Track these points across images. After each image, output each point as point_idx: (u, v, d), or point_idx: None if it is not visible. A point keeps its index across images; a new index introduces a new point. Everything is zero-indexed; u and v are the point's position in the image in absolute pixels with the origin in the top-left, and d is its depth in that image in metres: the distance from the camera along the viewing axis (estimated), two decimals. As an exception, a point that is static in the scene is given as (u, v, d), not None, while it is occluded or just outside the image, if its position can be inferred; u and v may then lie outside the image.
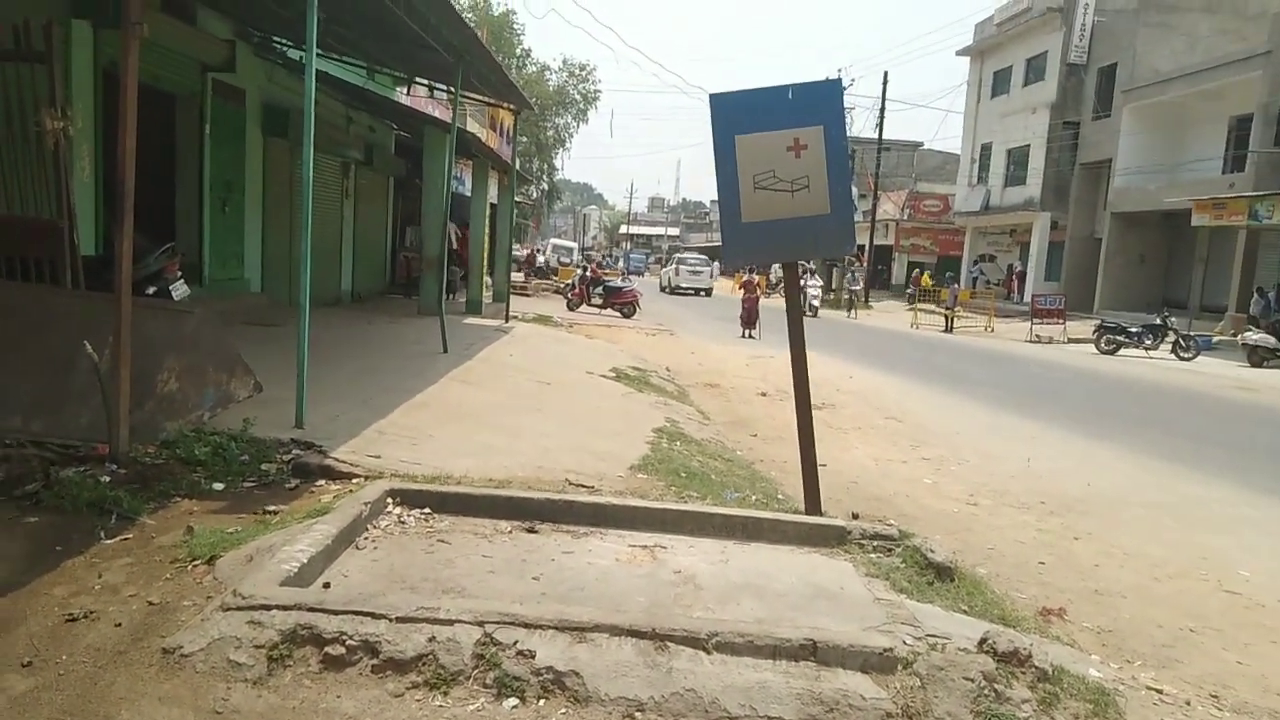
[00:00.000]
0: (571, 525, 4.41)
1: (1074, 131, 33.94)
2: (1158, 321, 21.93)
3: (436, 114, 17.15)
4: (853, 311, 32.99)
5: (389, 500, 4.39)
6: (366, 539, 4.04)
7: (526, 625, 3.05)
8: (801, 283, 26.33)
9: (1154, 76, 29.76)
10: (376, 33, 9.73)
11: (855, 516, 6.09)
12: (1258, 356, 19.53)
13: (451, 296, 18.67)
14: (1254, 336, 20.07)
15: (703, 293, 38.48)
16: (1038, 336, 24.62)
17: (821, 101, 4.95)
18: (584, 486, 5.28)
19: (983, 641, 3.43)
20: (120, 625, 3.03)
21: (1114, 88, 31.71)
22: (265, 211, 12.27)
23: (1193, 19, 31.14)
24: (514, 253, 25.50)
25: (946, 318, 28.08)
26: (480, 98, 14.03)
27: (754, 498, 5.89)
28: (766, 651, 3.21)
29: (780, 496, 6.33)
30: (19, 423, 4.80)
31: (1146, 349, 21.33)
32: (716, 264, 44.48)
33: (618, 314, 22.40)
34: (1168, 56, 30.29)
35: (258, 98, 11.98)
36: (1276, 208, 22.38)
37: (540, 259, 42.33)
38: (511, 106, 14.34)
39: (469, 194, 18.93)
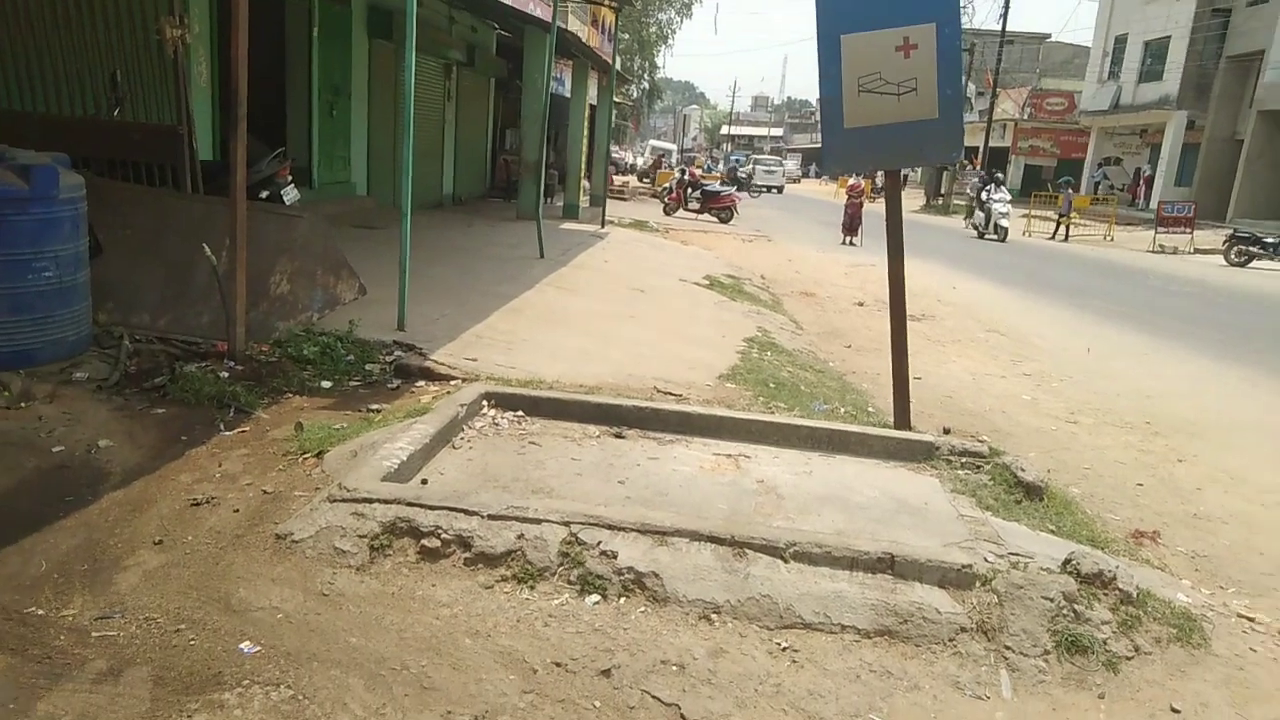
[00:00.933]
0: (658, 432, 4.52)
1: (1224, 19, 31.04)
2: (1299, 232, 20.36)
3: (538, 12, 16.92)
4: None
5: (484, 402, 4.57)
6: (463, 439, 4.24)
7: (610, 527, 3.18)
8: (984, 196, 24.37)
9: (1320, -44, 26.80)
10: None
11: (946, 431, 6.02)
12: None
13: (549, 200, 18.80)
14: None
15: (774, 190, 45.58)
16: (1161, 246, 23.21)
17: (936, -4, 4.69)
18: (672, 394, 5.37)
19: (1067, 562, 3.41)
20: (238, 511, 3.30)
21: (1273, -31, 28.73)
22: (371, 115, 12.49)
23: (1372, -112, 27.71)
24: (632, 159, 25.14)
25: (1058, 224, 26.54)
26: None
27: (843, 410, 5.87)
28: (844, 563, 3.27)
29: (871, 409, 6.28)
30: (147, 319, 5.16)
31: (1282, 261, 19.90)
32: (790, 163, 49.13)
33: (715, 219, 22.12)
34: (1339, -67, 27.17)
35: (362, 0, 12.06)
36: None
37: (639, 162, 41.74)
38: (613, 4, 14.00)
39: (569, 95, 18.77)
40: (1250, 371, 9.00)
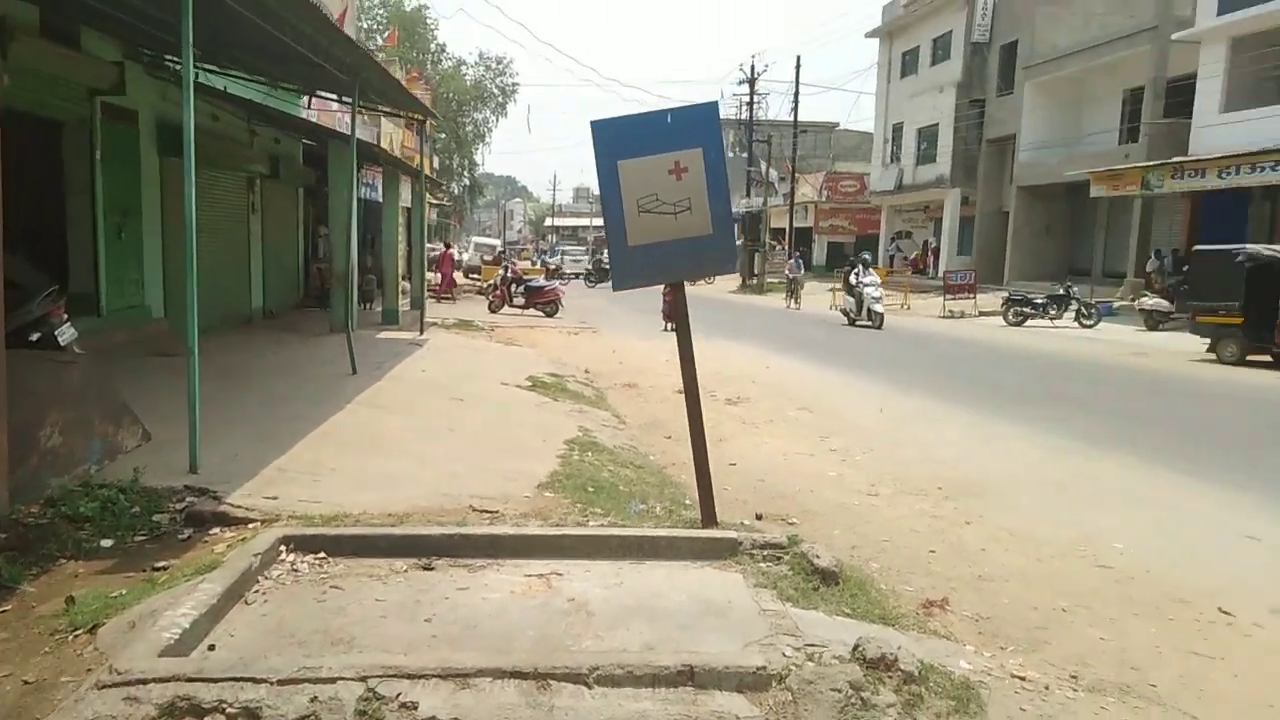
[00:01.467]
0: (469, 558, 4.49)
1: (980, 109, 34.96)
2: (1061, 291, 22.81)
3: (346, 118, 16.91)
4: (794, 300, 30.98)
5: (282, 548, 4.40)
6: (257, 591, 4.05)
7: (410, 676, 3.13)
8: (853, 280, 23.13)
9: (1052, 52, 30.77)
10: (269, 54, 9.58)
11: (759, 518, 6.32)
12: (1153, 320, 20.47)
13: (369, 306, 18.50)
14: (1149, 302, 21.04)
15: (581, 276, 46.58)
16: (951, 311, 25.39)
17: (699, 124, 5.10)
18: (487, 512, 5.36)
19: (855, 648, 3.63)
20: (-6, 709, 3.02)
21: (1015, 65, 32.71)
22: (165, 234, 11.98)
23: (1085, -5, 32.29)
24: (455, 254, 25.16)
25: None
26: (381, 108, 13.87)
27: (658, 508, 6.03)
28: (646, 680, 3.34)
29: (687, 503, 6.47)
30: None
31: (1052, 318, 22.19)
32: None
33: (541, 314, 22.40)
34: (1064, 33, 31.32)
35: (152, 118, 11.66)
36: (1166, 177, 23.40)
37: (461, 256, 41.82)
38: (418, 115, 14.21)
39: (381, 200, 18.71)
40: (1025, 429, 9.91)
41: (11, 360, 4.62)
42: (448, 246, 31.43)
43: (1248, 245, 16.11)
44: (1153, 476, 7.92)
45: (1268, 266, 14.84)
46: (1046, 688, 3.83)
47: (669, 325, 20.89)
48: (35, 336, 6.19)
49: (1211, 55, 23.75)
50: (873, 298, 22.16)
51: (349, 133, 11.16)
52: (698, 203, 4.98)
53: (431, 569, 4.36)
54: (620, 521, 5.37)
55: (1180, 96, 24.89)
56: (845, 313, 23.28)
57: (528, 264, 41.54)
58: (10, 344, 4.74)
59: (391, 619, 3.83)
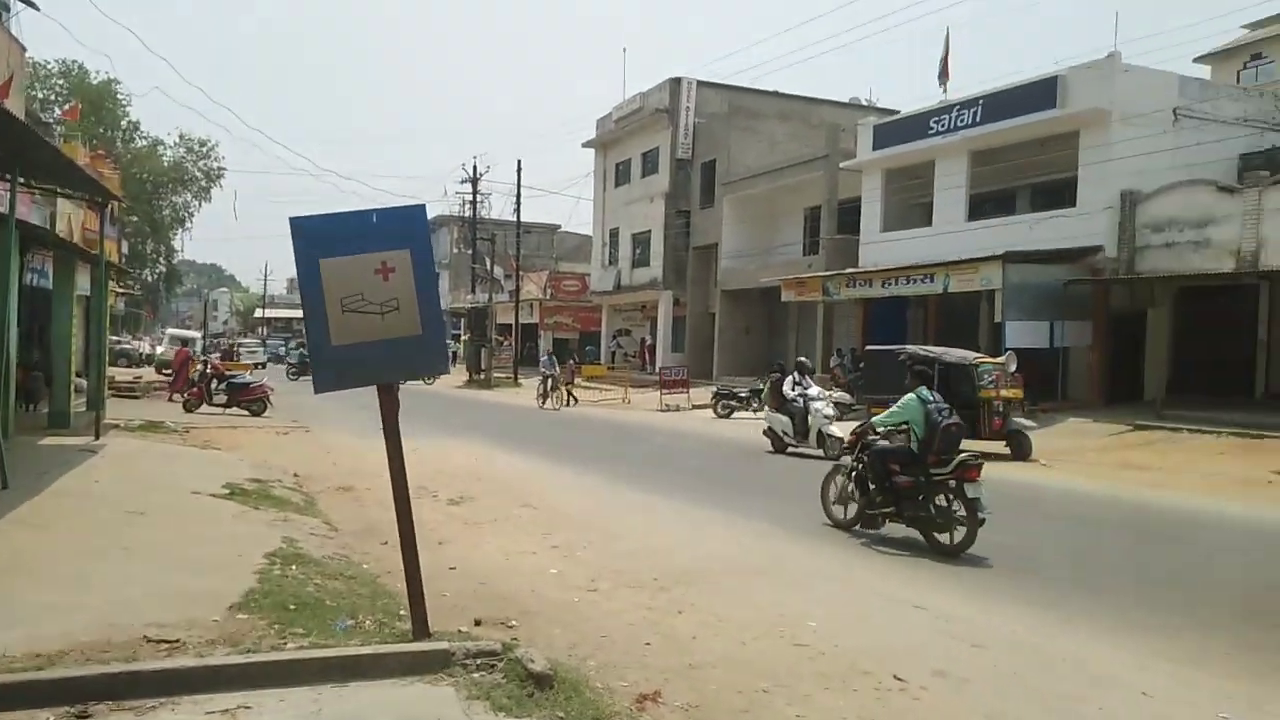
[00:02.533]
0: (137, 700, 3.95)
1: (686, 219, 37.95)
2: (761, 386, 24.88)
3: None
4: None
5: (-111, 706, 3.63)
6: None
7: None
8: (791, 391, 16.59)
9: (745, 172, 34.29)
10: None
11: (478, 624, 6.15)
12: (839, 411, 22.82)
13: (32, 408, 16.18)
14: (834, 395, 23.47)
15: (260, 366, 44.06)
16: (667, 405, 26.79)
17: (407, 225, 5.08)
18: (165, 643, 4.77)
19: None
20: None
21: (715, 181, 36.01)
22: None
23: (771, 124, 36.46)
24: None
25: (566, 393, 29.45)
26: (50, 188, 12.49)
27: (369, 622, 5.69)
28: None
29: (401, 614, 6.17)
30: None
31: (754, 410, 24.07)
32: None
33: (247, 413, 20.78)
34: (755, 155, 35.06)
35: None
36: (842, 285, 26.59)
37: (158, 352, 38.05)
38: (97, 199, 12.92)
39: (52, 287, 16.62)
40: (733, 516, 10.56)
41: None
42: (184, 344, 28.98)
43: (908, 346, 18.57)
44: (831, 554, 8.68)
45: (924, 364, 17.11)
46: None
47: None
48: None
49: (871, 183, 27.68)
50: (824, 416, 16.11)
51: (6, 212, 9.90)
52: (406, 303, 4.92)
53: (87, 716, 3.78)
54: (323, 641, 4.99)
55: (850, 216, 28.63)
56: (783, 434, 16.87)
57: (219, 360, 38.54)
58: None
59: (32, 782, 3.26)
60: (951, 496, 8.48)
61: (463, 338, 50.10)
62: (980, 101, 24.10)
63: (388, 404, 5.11)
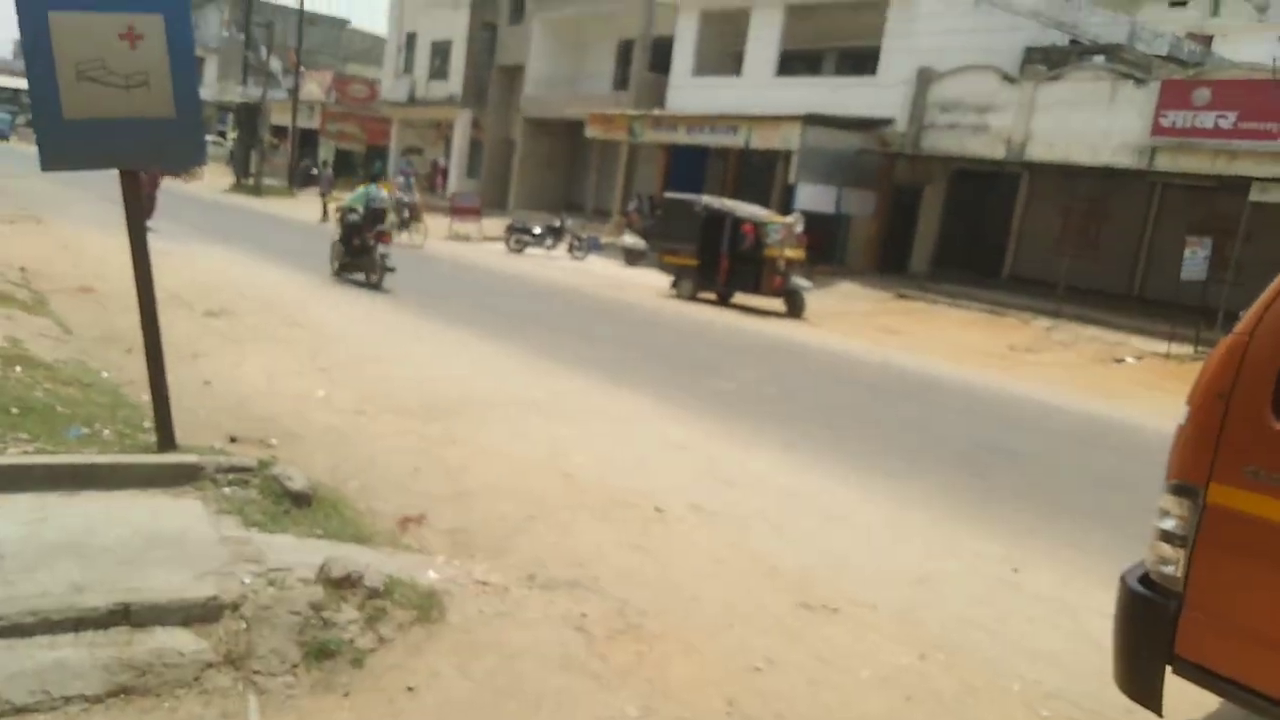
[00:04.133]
0: None
1: (492, 34, 35.66)
2: (557, 224, 24.62)
3: None
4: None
5: None
6: None
7: None
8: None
9: (559, -8, 32.44)
10: None
11: (233, 440, 5.86)
12: (632, 257, 23.12)
13: None
14: (629, 240, 23.69)
15: None
16: (456, 234, 25.95)
17: (160, -14, 4.36)
18: None
19: (320, 569, 3.54)
20: None
21: (527, -4, 33.90)
22: None
23: (592, -57, 34.48)
24: None
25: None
26: None
27: (107, 432, 5.25)
28: (68, 625, 2.92)
29: (145, 425, 5.74)
30: None
31: (548, 249, 23.88)
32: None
33: (-39, 193, 18.02)
34: (572, -25, 33.15)
35: None
36: (647, 127, 26.35)
37: None
38: None
39: None
40: (515, 350, 10.55)
41: None
42: None
43: (704, 197, 18.88)
44: (612, 393, 8.95)
45: (717, 217, 17.55)
46: (506, 589, 4.14)
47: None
48: None
49: (686, 23, 27.11)
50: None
51: None
52: (158, 79, 4.29)
53: None
54: (51, 448, 4.55)
55: (664, 55, 28.05)
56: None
57: None
58: None
59: None
60: (377, 253, 14.06)
61: (230, 135, 45.34)
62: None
63: (130, 190, 4.52)
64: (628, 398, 8.87)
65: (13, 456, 4.22)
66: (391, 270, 14.14)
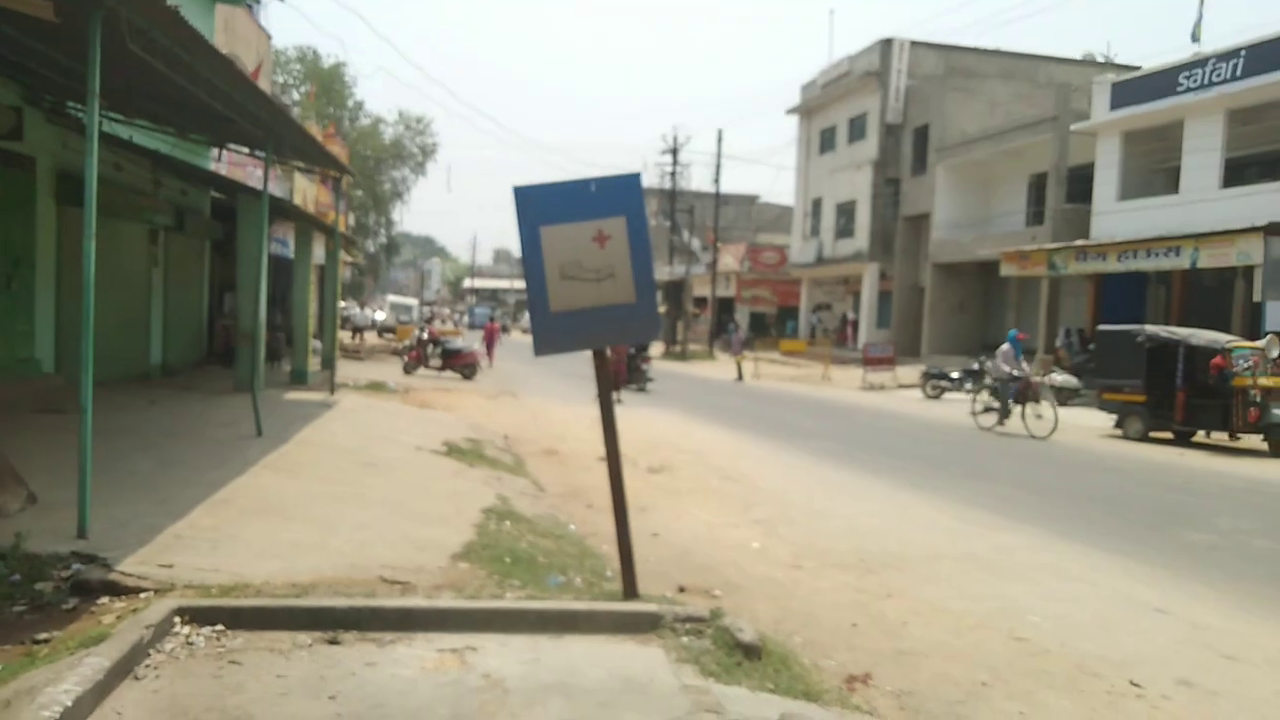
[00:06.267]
0: (378, 632, 4.26)
1: (895, 188, 36.37)
2: (976, 366, 23.54)
3: (258, 172, 16.61)
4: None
5: (176, 619, 4.11)
6: (148, 666, 3.76)
7: (307, 762, 2.91)
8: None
9: (961, 137, 32.34)
10: (178, 105, 9.34)
11: (681, 590, 6.21)
12: (1063, 396, 21.22)
13: (276, 364, 17.94)
14: (1059, 378, 21.85)
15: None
16: (870, 384, 25.93)
17: (622, 193, 5.11)
18: (398, 583, 5.13)
19: (778, 727, 3.54)
20: None
21: (928, 147, 34.23)
22: (60, 285, 11.42)
23: (992, 85, 34.19)
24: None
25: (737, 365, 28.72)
26: (295, 164, 13.67)
27: (578, 580, 5.87)
28: (564, 761, 3.18)
29: (608, 574, 6.33)
30: None
31: (967, 392, 22.82)
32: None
33: (459, 376, 22.07)
34: (972, 119, 33.01)
35: (51, 165, 11.21)
36: (1070, 259, 24.60)
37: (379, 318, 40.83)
38: (334, 173, 14.02)
39: (293, 256, 18.31)
40: (943, 502, 10.05)
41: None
42: (491, 320, 31.25)
43: (1147, 326, 16.93)
44: (1064, 549, 8.07)
45: (1165, 347, 15.59)
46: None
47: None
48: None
49: (1107, 147, 25.31)
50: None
51: (260, 187, 10.90)
52: (621, 270, 4.96)
53: (338, 643, 4.12)
54: (538, 594, 5.19)
55: (1081, 183, 26.36)
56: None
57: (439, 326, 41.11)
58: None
59: (293, 696, 3.58)
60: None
61: (659, 308, 50.80)
62: (1242, 53, 21.41)
63: (601, 368, 5.19)
64: (1080, 552, 7.93)
65: (511, 601, 4.87)
66: None
